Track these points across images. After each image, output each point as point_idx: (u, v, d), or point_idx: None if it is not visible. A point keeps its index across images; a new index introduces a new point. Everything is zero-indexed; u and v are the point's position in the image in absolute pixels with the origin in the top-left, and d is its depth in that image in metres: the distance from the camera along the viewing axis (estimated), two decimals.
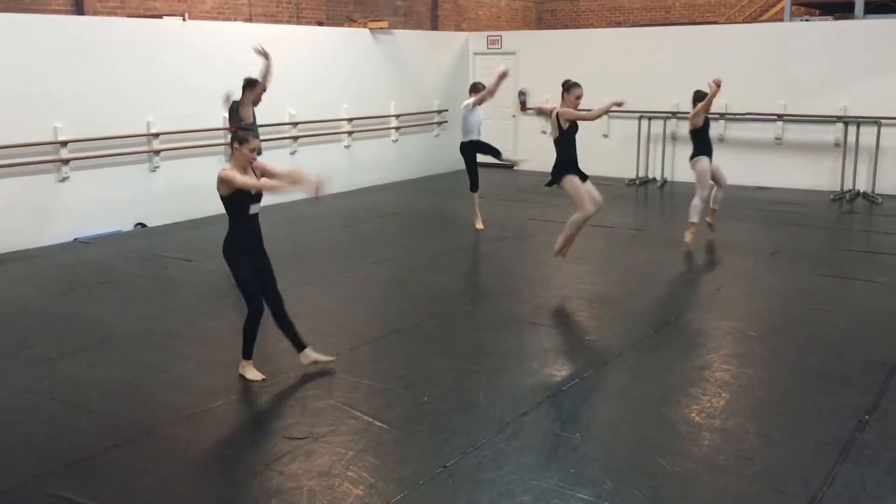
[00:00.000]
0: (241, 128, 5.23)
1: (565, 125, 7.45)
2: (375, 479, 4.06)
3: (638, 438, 4.52)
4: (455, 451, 4.34)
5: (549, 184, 7.66)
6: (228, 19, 13.40)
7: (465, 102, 9.72)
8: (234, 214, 5.24)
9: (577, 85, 7.50)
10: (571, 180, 7.42)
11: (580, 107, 7.53)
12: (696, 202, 8.68)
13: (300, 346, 5.49)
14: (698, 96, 8.90)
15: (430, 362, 5.67)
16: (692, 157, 8.89)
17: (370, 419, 4.72)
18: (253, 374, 5.32)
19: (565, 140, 7.45)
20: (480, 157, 9.97)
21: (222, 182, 5.08)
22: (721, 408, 4.91)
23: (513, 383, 5.26)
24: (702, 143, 8.87)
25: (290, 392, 5.14)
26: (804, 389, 5.16)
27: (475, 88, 9.82)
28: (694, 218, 8.63)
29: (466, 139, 9.85)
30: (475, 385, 5.21)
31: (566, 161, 7.47)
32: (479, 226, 9.84)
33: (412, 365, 5.61)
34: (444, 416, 4.79)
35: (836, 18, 14.29)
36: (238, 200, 5.16)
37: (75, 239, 9.43)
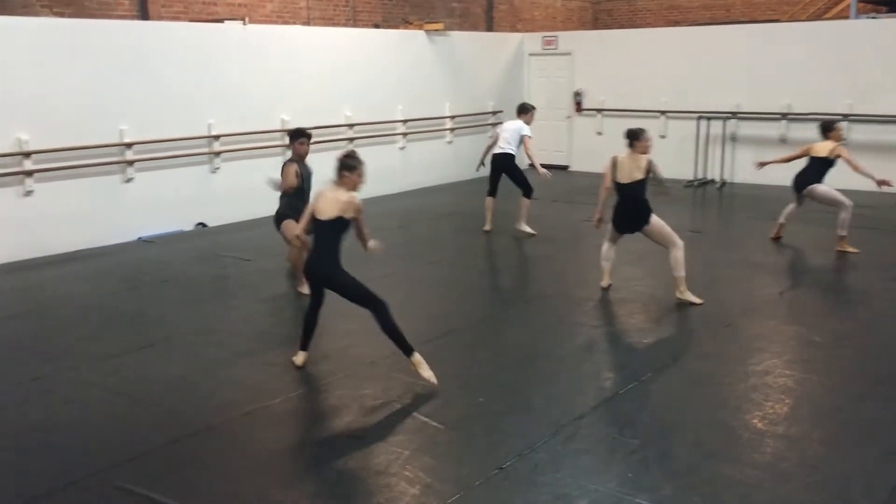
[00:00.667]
0: (348, 155, 5.46)
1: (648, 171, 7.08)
2: (431, 479, 4.08)
3: (697, 444, 4.44)
4: (511, 452, 4.32)
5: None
6: (287, 23, 13.60)
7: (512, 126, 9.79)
8: (342, 235, 5.38)
9: (644, 130, 7.30)
10: (657, 220, 7.04)
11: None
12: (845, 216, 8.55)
13: (407, 351, 5.37)
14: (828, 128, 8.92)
15: (485, 363, 5.67)
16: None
17: (426, 419, 4.74)
18: (427, 371, 5.21)
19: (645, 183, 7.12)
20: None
21: (356, 210, 5.29)
22: (784, 414, 4.80)
23: (569, 386, 5.22)
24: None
25: (347, 391, 5.19)
26: (870, 397, 5.01)
27: (525, 110, 9.86)
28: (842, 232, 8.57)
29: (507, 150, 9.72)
30: (531, 387, 5.18)
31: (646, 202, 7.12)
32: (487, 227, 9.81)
33: (467, 365, 5.61)
34: (499, 418, 4.78)
35: None
36: (348, 224, 5.35)
37: (139, 238, 9.67)
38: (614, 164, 7.11)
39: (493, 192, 9.84)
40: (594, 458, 4.28)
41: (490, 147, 9.89)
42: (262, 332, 6.42)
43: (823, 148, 8.73)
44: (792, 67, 12.75)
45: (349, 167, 5.35)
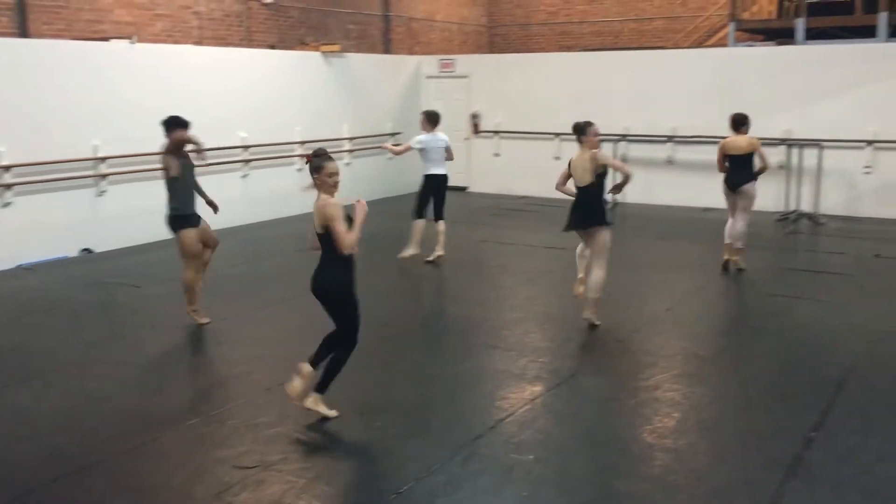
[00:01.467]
0: (315, 154, 4.92)
1: (599, 170, 6.97)
2: None
3: (591, 459, 4.54)
4: (408, 476, 4.31)
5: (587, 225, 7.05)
6: (178, 42, 13.28)
7: (419, 138, 9.40)
8: (334, 246, 4.88)
9: (591, 123, 7.11)
10: (606, 233, 7.00)
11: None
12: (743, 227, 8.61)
13: (321, 387, 5.05)
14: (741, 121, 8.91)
15: (382, 387, 5.64)
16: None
17: (322, 446, 4.67)
18: (326, 409, 4.99)
19: (601, 185, 7.03)
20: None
21: (327, 218, 4.78)
22: (672, 427, 4.96)
23: (466, 406, 5.25)
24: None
25: (240, 420, 5.06)
26: (753, 408, 5.25)
27: (432, 119, 9.40)
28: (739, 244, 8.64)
29: (437, 172, 9.42)
30: (428, 409, 5.19)
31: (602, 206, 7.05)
32: (411, 252, 9.38)
33: (365, 390, 5.56)
34: (397, 442, 4.76)
35: (779, 44, 14.71)
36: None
37: (19, 265, 9.19)
38: (569, 165, 7.12)
39: (422, 213, 9.44)
40: (491, 479, 4.31)
41: (404, 149, 9.59)
42: (151, 361, 6.20)
43: (742, 142, 8.80)
44: (677, 92, 13.33)
45: (314, 167, 4.88)
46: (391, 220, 12.27)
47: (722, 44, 17.15)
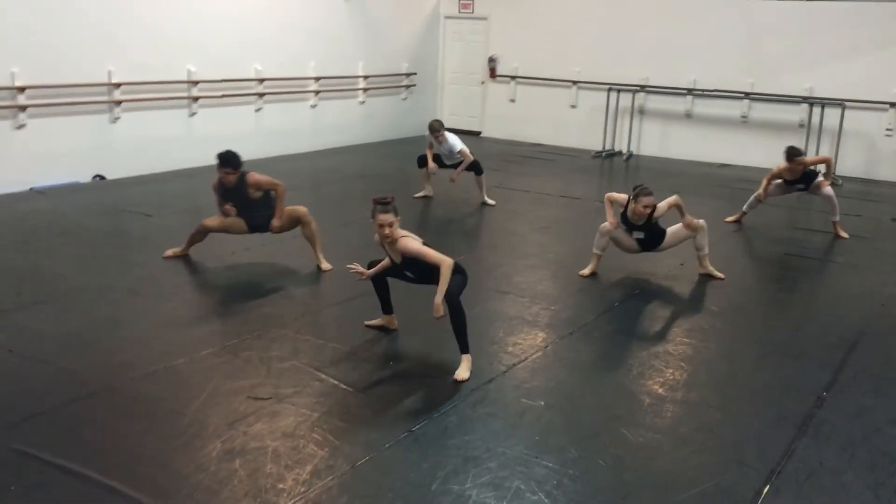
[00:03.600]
0: (377, 200, 4.87)
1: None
2: (341, 442, 4.04)
3: (602, 408, 4.56)
4: (421, 415, 4.33)
5: None
6: None
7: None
8: None
9: (647, 192, 6.58)
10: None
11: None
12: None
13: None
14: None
15: (397, 328, 5.64)
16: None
17: (336, 382, 4.69)
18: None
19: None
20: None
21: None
22: (683, 381, 4.97)
23: (478, 350, 5.25)
24: None
25: (254, 353, 5.08)
26: (765, 365, 5.25)
27: (431, 129, 9.34)
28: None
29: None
30: (441, 350, 5.19)
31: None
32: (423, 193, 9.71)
33: (378, 330, 5.57)
34: (410, 381, 4.78)
35: None
36: None
37: (31, 188, 9.17)
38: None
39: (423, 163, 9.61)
40: (502, 422, 4.33)
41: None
42: (163, 291, 6.20)
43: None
44: (699, 44, 13.09)
45: (372, 212, 4.88)
46: (402, 162, 12.19)
47: None
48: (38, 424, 4.13)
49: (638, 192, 6.57)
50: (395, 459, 3.93)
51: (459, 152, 9.33)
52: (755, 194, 8.71)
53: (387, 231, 4.86)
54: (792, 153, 8.39)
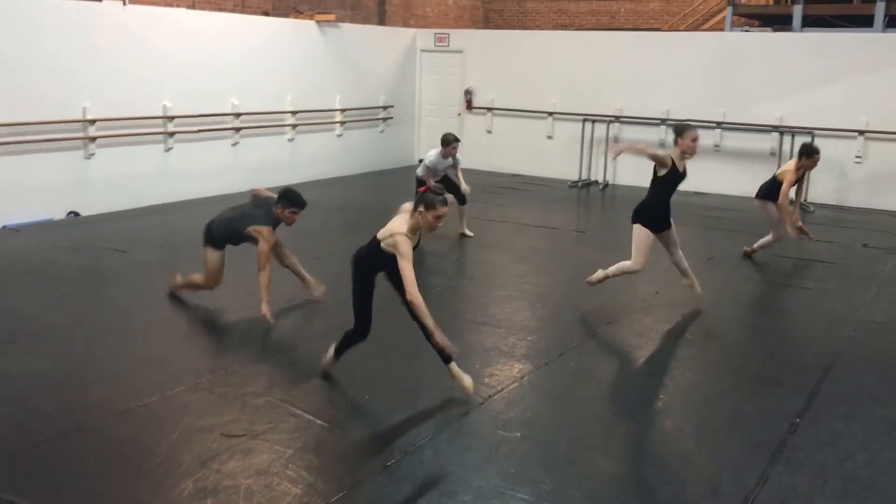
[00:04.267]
0: (434, 190, 4.69)
1: (663, 171, 6.67)
2: (315, 478, 4.01)
3: (577, 438, 4.56)
4: (396, 450, 4.31)
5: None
6: (171, 5, 13.08)
7: (432, 152, 9.20)
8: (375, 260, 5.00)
9: (690, 127, 6.65)
10: (641, 230, 6.75)
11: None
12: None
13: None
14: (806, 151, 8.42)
15: (371, 360, 5.61)
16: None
17: (311, 417, 4.66)
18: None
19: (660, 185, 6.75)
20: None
21: (396, 250, 4.72)
22: (658, 409, 4.98)
23: (454, 381, 5.24)
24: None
25: (228, 389, 5.04)
26: (739, 392, 5.28)
27: (447, 142, 9.09)
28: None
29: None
30: (417, 384, 5.18)
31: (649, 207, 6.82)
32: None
33: (354, 362, 5.54)
34: (385, 415, 4.76)
35: (775, 30, 14.69)
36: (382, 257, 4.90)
37: (3, 226, 9.09)
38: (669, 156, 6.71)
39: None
40: (478, 454, 4.32)
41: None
42: (137, 327, 6.15)
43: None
44: (671, 75, 13.29)
45: (425, 201, 4.69)
46: (380, 194, 12.22)
47: (718, 28, 17.13)
48: (7, 466, 4.07)
49: (682, 128, 6.59)
50: (370, 495, 3.90)
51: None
52: (790, 226, 8.26)
53: (440, 223, 4.80)
54: (812, 149, 8.38)
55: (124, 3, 10.48)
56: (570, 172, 13.99)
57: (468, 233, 9.47)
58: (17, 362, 5.39)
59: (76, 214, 9.88)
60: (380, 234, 4.88)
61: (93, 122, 9.92)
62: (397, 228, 4.78)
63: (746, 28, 16.18)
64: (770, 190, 8.47)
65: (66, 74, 9.62)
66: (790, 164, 8.51)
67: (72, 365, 5.39)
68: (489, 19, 21.74)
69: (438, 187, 4.81)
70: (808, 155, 8.37)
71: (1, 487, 3.84)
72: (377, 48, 14.66)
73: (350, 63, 13.89)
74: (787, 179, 8.28)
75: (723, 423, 4.83)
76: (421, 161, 9.39)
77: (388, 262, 4.83)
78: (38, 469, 4.07)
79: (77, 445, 4.34)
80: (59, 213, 9.72)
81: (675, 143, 6.66)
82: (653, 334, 6.38)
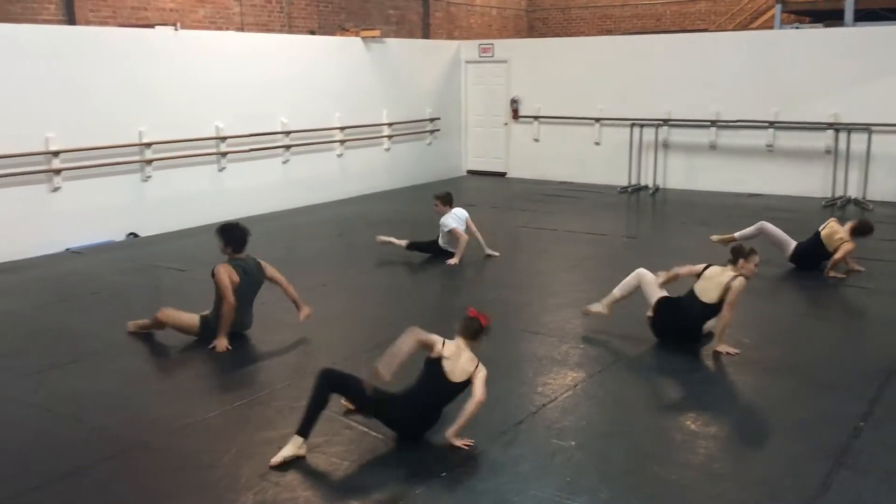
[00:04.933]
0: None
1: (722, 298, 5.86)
2: (371, 489, 4.05)
3: (633, 447, 4.52)
4: (452, 459, 4.33)
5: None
6: (220, 28, 13.41)
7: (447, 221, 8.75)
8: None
9: (755, 251, 6.03)
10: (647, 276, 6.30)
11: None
12: None
13: None
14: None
15: None
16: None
17: (366, 429, 4.70)
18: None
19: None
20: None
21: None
22: (716, 415, 4.91)
23: (508, 392, 5.25)
24: None
25: (284, 403, 5.11)
26: (799, 396, 5.17)
27: (448, 201, 8.82)
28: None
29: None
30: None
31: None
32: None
33: (408, 374, 5.58)
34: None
35: (826, 26, 14.38)
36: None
37: (67, 249, 9.39)
38: (704, 270, 6.14)
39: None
40: (533, 464, 4.31)
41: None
42: (194, 344, 6.28)
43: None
44: (720, 76, 13.12)
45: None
46: (428, 206, 12.28)
47: (767, 26, 16.84)
48: (74, 482, 4.20)
49: (747, 252, 5.97)
50: None
51: (451, 231, 8.67)
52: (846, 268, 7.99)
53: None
54: (867, 228, 8.01)
55: (176, 29, 10.77)
56: (618, 178, 13.88)
57: (492, 252, 8.95)
58: (81, 381, 5.56)
59: (135, 235, 10.16)
60: (456, 377, 4.55)
61: (149, 145, 10.20)
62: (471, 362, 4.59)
63: (796, 25, 15.89)
64: (812, 253, 8.07)
65: (122, 100, 9.91)
66: (845, 234, 7.94)
67: (134, 382, 5.53)
68: (533, 28, 21.74)
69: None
70: (863, 234, 7.96)
71: (67, 503, 3.96)
72: (422, 61, 14.78)
73: (396, 77, 14.03)
74: (845, 250, 7.81)
75: (783, 428, 4.73)
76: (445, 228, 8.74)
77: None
78: (104, 485, 4.19)
79: (140, 461, 4.45)
80: (118, 235, 10.00)
81: (735, 264, 5.95)
82: (709, 339, 6.28)
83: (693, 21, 19.43)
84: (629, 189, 13.65)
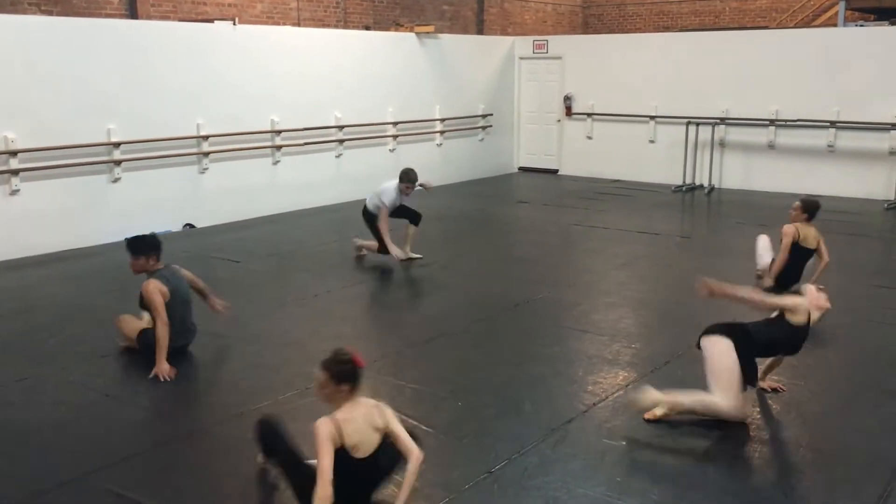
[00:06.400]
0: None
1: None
2: (420, 483, 4.06)
3: (685, 448, 4.46)
4: (500, 456, 4.32)
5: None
6: (277, 23, 13.58)
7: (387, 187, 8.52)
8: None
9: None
10: (719, 344, 4.86)
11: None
12: None
13: None
14: None
15: (475, 367, 5.66)
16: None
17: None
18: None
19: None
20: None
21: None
22: (772, 419, 4.82)
23: (558, 389, 5.22)
24: None
25: None
26: (858, 402, 5.04)
27: (409, 178, 8.42)
28: None
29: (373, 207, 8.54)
30: (521, 391, 5.18)
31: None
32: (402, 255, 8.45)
33: (458, 369, 5.60)
34: (489, 422, 4.78)
35: (892, 24, 13.96)
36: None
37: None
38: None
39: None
40: (583, 463, 4.28)
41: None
42: (252, 333, 6.39)
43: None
44: (780, 74, 12.84)
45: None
46: (479, 202, 12.29)
47: (831, 24, 16.43)
48: (131, 466, 4.30)
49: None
50: (474, 501, 3.93)
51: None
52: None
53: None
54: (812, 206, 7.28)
55: (234, 24, 10.94)
56: (673, 177, 13.69)
57: (413, 255, 8.57)
58: (140, 367, 5.68)
59: (191, 226, 10.35)
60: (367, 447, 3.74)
61: (206, 137, 10.38)
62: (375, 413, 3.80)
63: (861, 23, 15.46)
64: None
65: (182, 93, 10.11)
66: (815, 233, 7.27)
67: (191, 370, 5.65)
68: (588, 24, 21.55)
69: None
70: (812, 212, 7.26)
71: (126, 486, 4.06)
72: (476, 57, 14.76)
73: (449, 73, 14.04)
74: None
75: (841, 434, 4.62)
76: (377, 194, 8.59)
77: None
78: (160, 469, 4.28)
79: (196, 446, 4.55)
80: (175, 226, 10.21)
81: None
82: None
83: (753, 18, 19.04)
84: (684, 188, 13.45)
